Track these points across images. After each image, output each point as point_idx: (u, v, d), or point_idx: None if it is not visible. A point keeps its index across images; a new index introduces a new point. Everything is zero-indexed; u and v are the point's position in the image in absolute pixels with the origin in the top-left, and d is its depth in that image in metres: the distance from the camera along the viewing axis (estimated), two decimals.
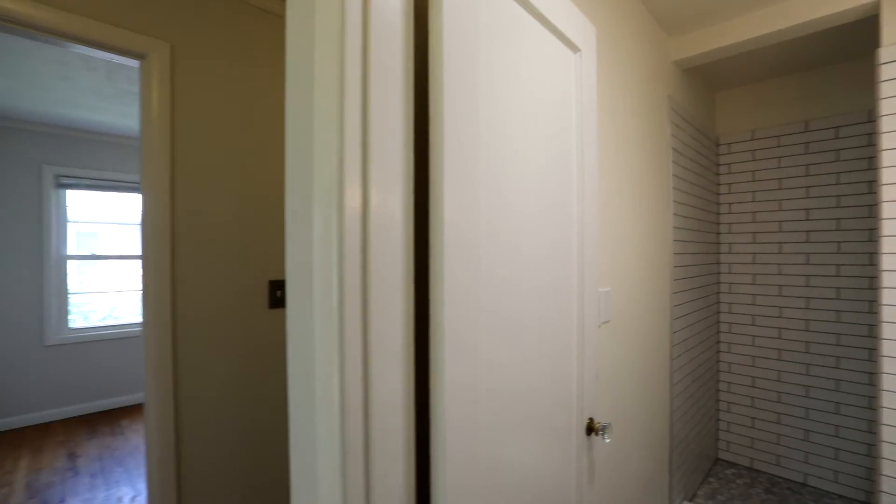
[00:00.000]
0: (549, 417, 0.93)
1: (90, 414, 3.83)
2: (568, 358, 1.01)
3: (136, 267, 4.24)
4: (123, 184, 4.00)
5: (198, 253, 1.62)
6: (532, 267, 0.88)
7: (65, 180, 3.70)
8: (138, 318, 4.16)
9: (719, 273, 2.76)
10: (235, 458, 1.69)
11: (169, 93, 1.56)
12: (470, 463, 0.70)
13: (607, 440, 1.12)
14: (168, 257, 1.54)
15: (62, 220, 3.71)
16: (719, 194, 2.76)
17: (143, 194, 1.53)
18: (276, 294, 1.80)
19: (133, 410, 3.91)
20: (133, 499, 2.54)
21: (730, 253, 2.73)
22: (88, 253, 3.91)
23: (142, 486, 2.67)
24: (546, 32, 0.96)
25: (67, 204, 3.74)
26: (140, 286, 4.20)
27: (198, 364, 1.60)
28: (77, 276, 3.86)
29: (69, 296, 3.75)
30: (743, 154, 2.68)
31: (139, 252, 4.23)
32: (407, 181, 0.64)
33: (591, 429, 1.09)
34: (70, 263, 3.76)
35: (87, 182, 3.80)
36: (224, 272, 1.67)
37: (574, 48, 1.07)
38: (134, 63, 1.58)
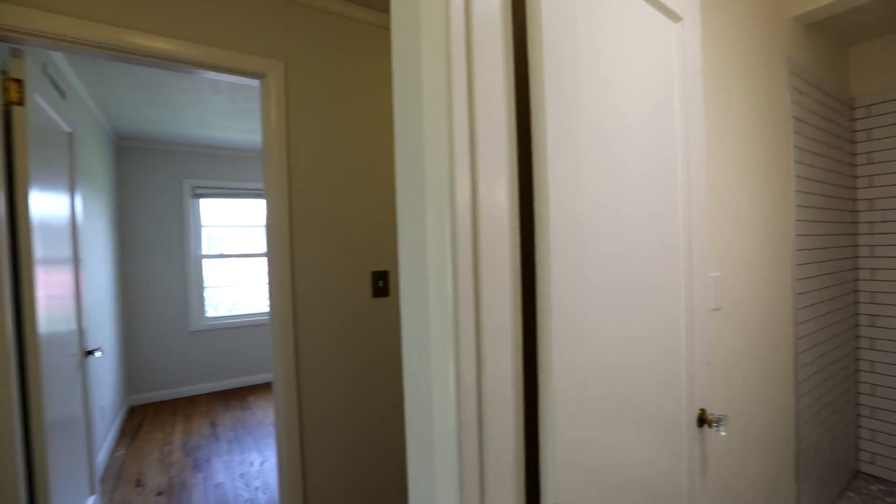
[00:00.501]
0: (656, 403, 0.91)
1: (224, 390, 4.45)
2: (676, 343, 0.98)
3: (255, 263, 4.82)
4: (243, 191, 4.56)
5: (311, 249, 1.81)
6: (638, 246, 0.86)
7: (198, 190, 4.32)
8: (259, 309, 4.74)
9: (857, 257, 2.39)
10: (348, 431, 1.88)
11: (284, 106, 1.76)
12: (576, 441, 0.72)
13: (723, 433, 1.06)
14: (288, 254, 1.75)
15: (197, 225, 4.34)
16: (856, 166, 2.39)
17: (267, 199, 1.76)
18: (378, 284, 1.95)
19: (257, 389, 4.48)
20: (262, 463, 2.92)
21: (871, 234, 2.35)
22: (217, 252, 4.53)
23: (268, 454, 3.06)
24: (645, 5, 0.92)
25: (201, 211, 4.37)
26: (260, 281, 4.76)
27: (314, 348, 1.80)
28: (209, 273, 4.50)
29: (205, 289, 4.39)
30: (886, 117, 2.28)
31: (260, 251, 4.80)
32: (511, 169, 0.67)
33: (703, 420, 1.04)
34: (204, 262, 4.39)
35: (216, 191, 4.40)
36: (333, 265, 1.85)
37: (675, 17, 1.02)
38: (254, 83, 1.81)
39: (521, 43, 0.72)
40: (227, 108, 3.22)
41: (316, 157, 1.83)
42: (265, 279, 4.82)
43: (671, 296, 0.96)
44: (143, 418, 3.77)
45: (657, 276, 0.92)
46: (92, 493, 2.08)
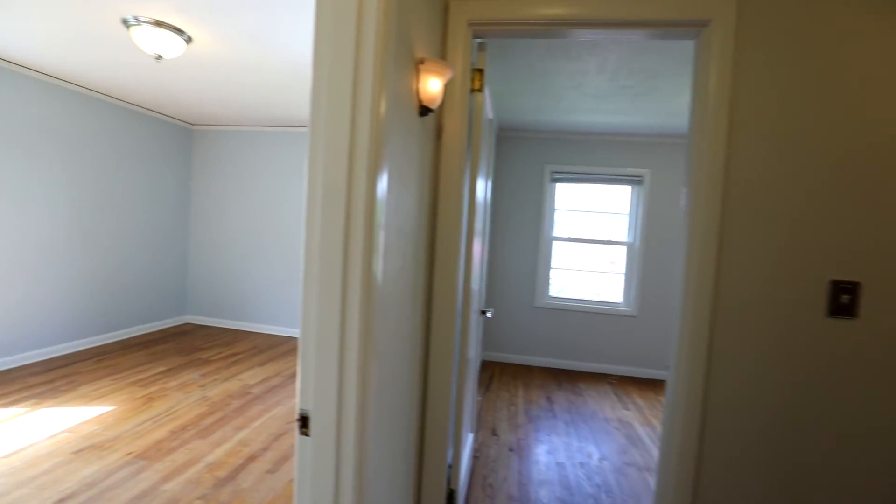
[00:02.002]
0: None
1: (556, 368, 4.65)
2: None
3: (607, 251, 4.74)
4: (598, 176, 4.51)
5: (745, 246, 1.39)
6: None
7: (556, 175, 4.56)
8: (598, 296, 4.67)
9: None
10: (763, 463, 1.40)
11: (730, 66, 1.38)
12: None
13: None
14: (714, 248, 1.40)
15: (552, 208, 4.61)
16: None
17: (689, 187, 1.45)
18: (841, 299, 1.34)
19: (586, 377, 4.45)
20: (600, 460, 2.78)
21: None
22: (565, 235, 4.70)
23: (606, 450, 2.90)
24: None
25: (556, 195, 4.61)
26: (605, 268, 4.66)
27: (732, 355, 1.40)
28: (556, 254, 4.73)
29: (550, 269, 4.65)
30: None
31: (606, 237, 4.70)
32: None
33: None
34: (554, 244, 4.64)
35: (572, 176, 4.53)
36: (770, 266, 1.38)
37: None
38: (685, 40, 1.52)
39: None
40: (604, 87, 3.12)
41: (775, 138, 1.37)
42: (617, 268, 4.68)
43: None
44: (492, 373, 4.37)
45: None
46: (472, 430, 2.44)
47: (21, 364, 3.65)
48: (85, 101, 4.04)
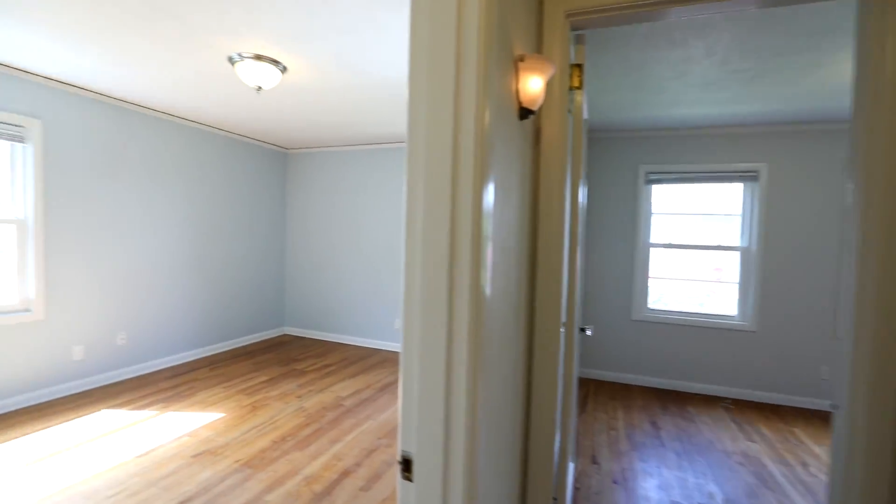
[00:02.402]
0: None
1: (659, 389, 4.19)
2: None
3: (713, 257, 4.23)
4: (703, 174, 4.04)
5: None
6: None
7: (652, 176, 4.17)
8: (708, 309, 4.16)
9: None
10: None
11: None
12: None
13: None
14: None
15: (648, 212, 4.21)
16: None
17: (857, 178, 1.16)
18: None
19: (696, 399, 3.95)
20: (725, 501, 2.40)
21: None
22: (664, 241, 4.26)
23: (731, 492, 2.49)
24: None
25: (652, 197, 4.21)
26: (716, 278, 4.14)
27: None
28: (655, 262, 4.31)
29: (649, 279, 4.23)
30: None
31: (717, 243, 4.18)
32: None
33: None
34: (651, 251, 4.23)
35: (670, 176, 4.11)
36: None
37: None
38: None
39: None
40: (713, 74, 2.76)
41: None
42: (724, 276, 4.14)
43: None
44: (587, 392, 4.05)
45: None
46: (572, 458, 2.22)
47: (155, 370, 4.13)
48: (200, 135, 4.53)
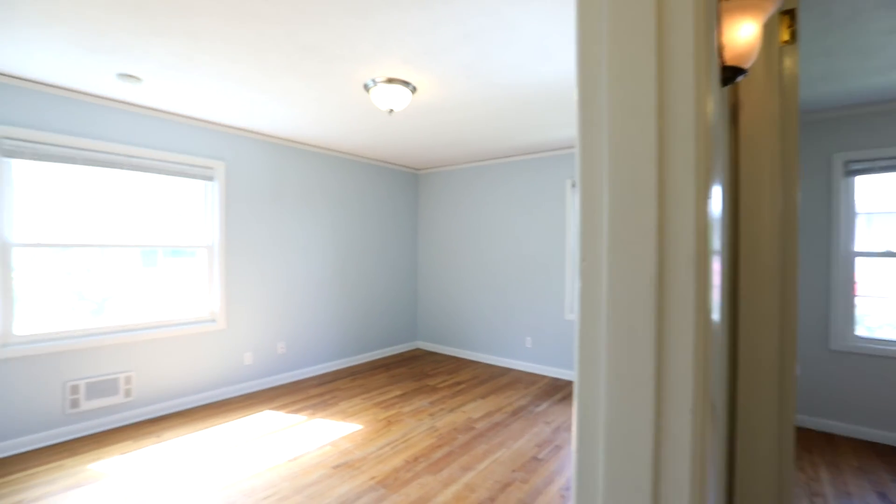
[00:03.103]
0: None
1: (879, 444, 3.17)
2: None
3: None
4: None
5: None
6: None
7: (854, 166, 3.24)
8: None
9: None
10: None
11: None
12: None
13: None
14: None
15: (850, 212, 3.28)
16: None
17: None
18: None
19: None
20: None
21: None
22: (882, 250, 3.25)
23: None
24: None
25: (855, 192, 3.27)
26: None
27: None
28: (865, 276, 3.32)
29: (855, 298, 3.27)
30: None
31: None
32: None
33: None
34: (857, 261, 3.27)
35: (883, 164, 3.15)
36: None
37: None
38: None
39: None
40: None
41: None
42: None
43: None
44: None
45: None
46: None
47: (305, 377, 4.55)
48: (340, 163, 4.96)
